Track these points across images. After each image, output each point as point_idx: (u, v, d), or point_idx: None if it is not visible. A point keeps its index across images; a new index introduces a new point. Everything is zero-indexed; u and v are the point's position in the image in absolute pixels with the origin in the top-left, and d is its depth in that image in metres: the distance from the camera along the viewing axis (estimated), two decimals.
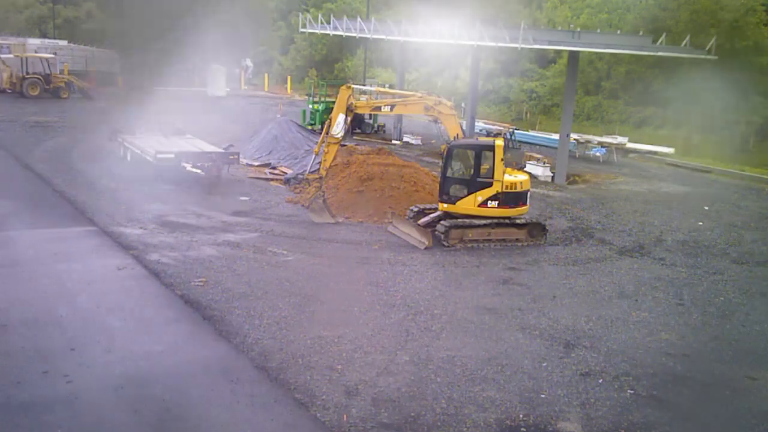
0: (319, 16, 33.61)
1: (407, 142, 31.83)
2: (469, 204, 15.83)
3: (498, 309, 12.20)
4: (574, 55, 24.69)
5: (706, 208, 21.94)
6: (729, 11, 36.50)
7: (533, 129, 36.52)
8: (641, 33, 25.01)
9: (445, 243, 15.50)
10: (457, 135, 16.25)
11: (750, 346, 11.52)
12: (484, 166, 15.75)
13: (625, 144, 31.52)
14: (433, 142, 30.46)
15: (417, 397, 9.02)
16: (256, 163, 23.85)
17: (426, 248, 15.20)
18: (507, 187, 15.76)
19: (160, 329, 10.82)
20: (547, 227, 16.81)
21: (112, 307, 11.34)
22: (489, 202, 15.76)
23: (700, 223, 19.85)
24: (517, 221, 16.21)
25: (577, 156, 29.89)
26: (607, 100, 40.81)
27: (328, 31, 33.59)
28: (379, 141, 30.93)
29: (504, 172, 15.75)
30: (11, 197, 18.24)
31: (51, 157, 23.00)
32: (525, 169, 26.03)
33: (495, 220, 15.91)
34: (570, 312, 12.32)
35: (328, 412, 8.49)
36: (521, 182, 16.10)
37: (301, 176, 20.87)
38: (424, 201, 18.28)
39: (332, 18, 32.51)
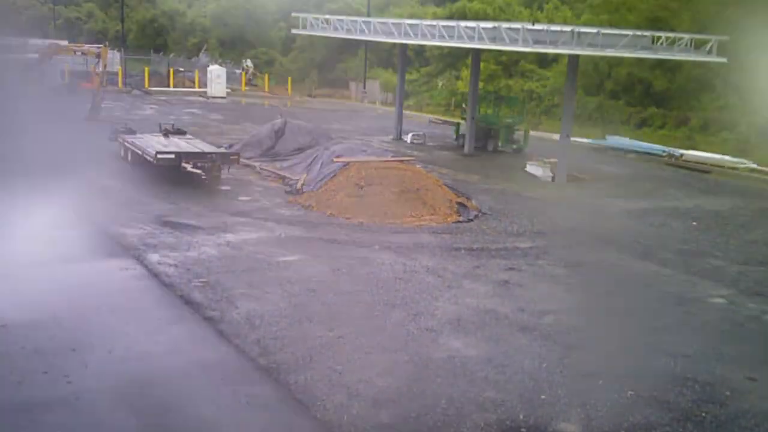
0: (320, 18, 33.56)
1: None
2: None
3: (498, 309, 12.20)
4: (574, 56, 24.68)
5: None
6: (731, 11, 36.48)
7: (534, 129, 36.54)
8: (642, 33, 24.91)
9: None
10: None
11: (750, 346, 11.51)
12: None
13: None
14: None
15: (417, 397, 9.02)
16: (257, 164, 23.85)
17: None
18: None
19: (160, 329, 10.83)
20: None
21: (112, 308, 11.35)
22: None
23: (694, 223, 19.86)
24: None
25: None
26: (608, 100, 40.82)
27: (327, 34, 33.62)
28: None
29: None
30: (11, 198, 18.25)
31: (51, 157, 22.97)
32: (526, 169, 26.06)
33: None
34: (570, 312, 12.32)
35: (329, 412, 8.50)
36: None
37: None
38: (427, 206, 18.25)
39: (332, 19, 32.51)
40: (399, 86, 34.23)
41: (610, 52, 24.31)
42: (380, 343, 10.49)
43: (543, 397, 9.24)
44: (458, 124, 32.53)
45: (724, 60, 25.89)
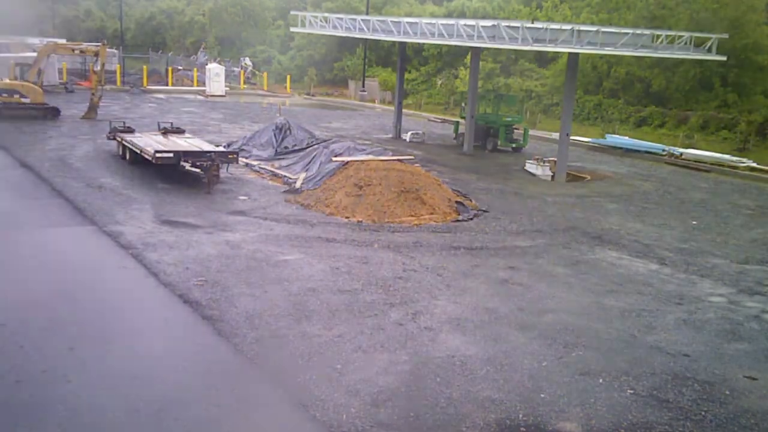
0: (318, 16, 33.49)
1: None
2: None
3: (498, 309, 12.19)
4: (573, 55, 24.67)
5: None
6: (729, 9, 36.51)
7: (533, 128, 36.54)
8: (642, 31, 24.88)
9: None
10: None
11: (750, 345, 11.51)
12: None
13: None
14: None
15: (417, 397, 9.01)
16: (256, 163, 23.83)
17: None
18: None
19: (160, 329, 10.82)
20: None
21: (111, 307, 11.34)
22: None
23: (694, 222, 19.84)
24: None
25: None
26: (607, 99, 40.83)
27: (325, 32, 33.54)
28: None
29: None
30: (10, 196, 18.23)
31: (50, 156, 22.95)
32: (525, 167, 26.07)
33: None
34: (569, 311, 12.31)
35: (328, 411, 8.48)
36: None
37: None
38: (427, 205, 18.21)
39: (331, 17, 32.44)
40: (398, 85, 34.23)
41: (609, 51, 24.30)
42: (380, 342, 10.48)
43: (542, 395, 9.23)
44: (457, 123, 32.55)
45: (723, 58, 25.89)
